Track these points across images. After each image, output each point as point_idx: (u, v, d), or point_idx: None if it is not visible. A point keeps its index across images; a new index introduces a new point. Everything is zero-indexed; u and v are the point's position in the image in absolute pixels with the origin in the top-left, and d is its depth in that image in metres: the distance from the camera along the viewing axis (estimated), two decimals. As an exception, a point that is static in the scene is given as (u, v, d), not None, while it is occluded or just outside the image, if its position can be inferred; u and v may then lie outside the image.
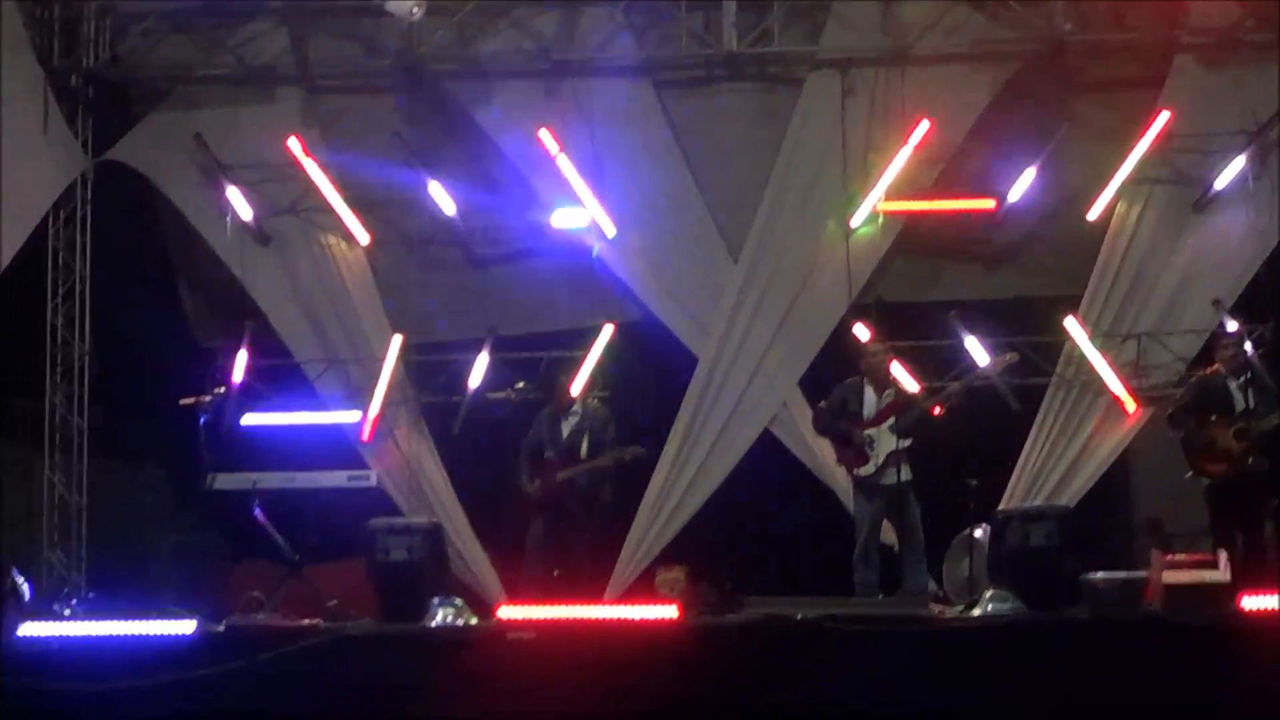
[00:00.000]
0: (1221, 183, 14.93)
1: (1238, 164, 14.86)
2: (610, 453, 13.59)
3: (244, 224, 15.53)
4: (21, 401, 15.55)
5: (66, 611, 13.56)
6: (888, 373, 13.53)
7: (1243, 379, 13.16)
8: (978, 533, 13.62)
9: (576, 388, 14.50)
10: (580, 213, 15.28)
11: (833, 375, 13.98)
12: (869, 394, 13.19)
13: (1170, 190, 15.13)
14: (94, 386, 15.60)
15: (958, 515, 13.81)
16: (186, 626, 12.01)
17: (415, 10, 14.12)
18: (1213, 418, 13.08)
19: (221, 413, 14.98)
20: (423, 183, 15.28)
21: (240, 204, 15.43)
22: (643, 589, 14.45)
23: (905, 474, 13.00)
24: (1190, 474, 13.35)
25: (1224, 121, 14.99)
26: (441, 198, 15.28)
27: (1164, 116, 14.85)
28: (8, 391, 15.41)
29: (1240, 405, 13.04)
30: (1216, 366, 13.38)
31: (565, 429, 13.84)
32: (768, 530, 15.11)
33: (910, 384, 14.17)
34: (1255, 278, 14.91)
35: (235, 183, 15.42)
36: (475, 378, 15.25)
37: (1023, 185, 15.01)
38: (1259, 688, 10.81)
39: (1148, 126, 14.88)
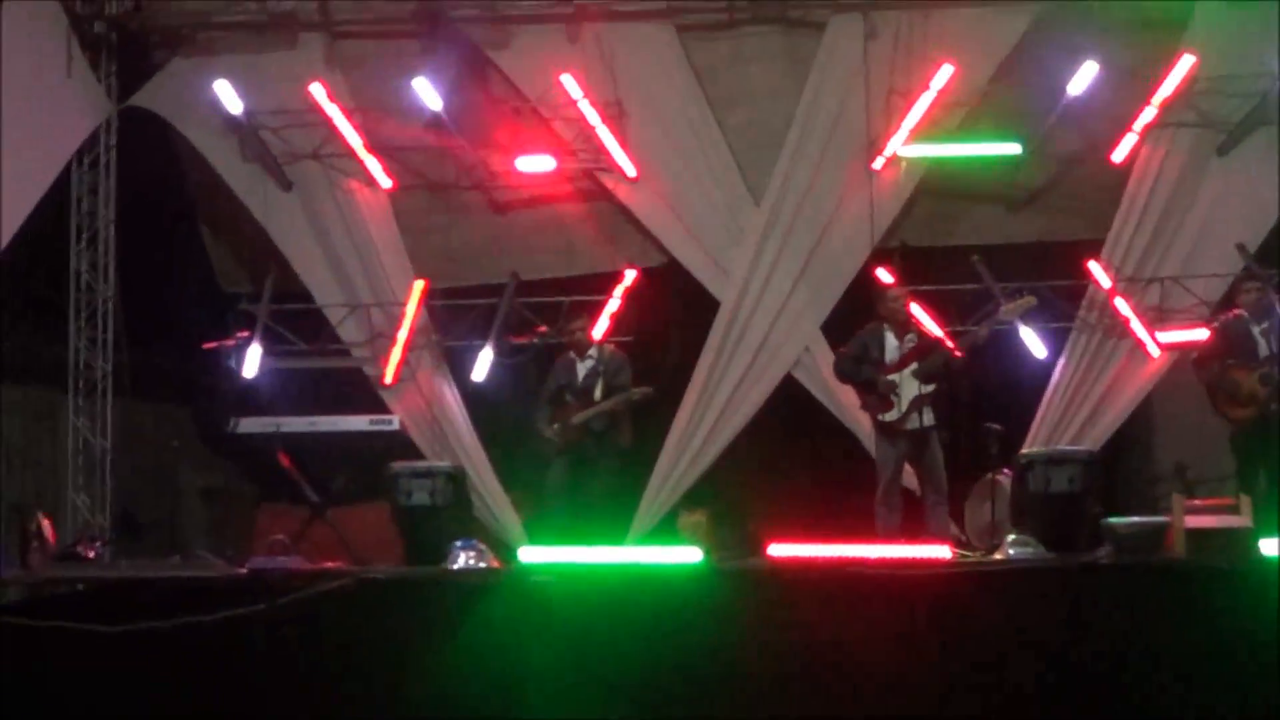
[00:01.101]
0: (1246, 126, 14.83)
1: (1264, 107, 14.75)
2: (620, 395, 13.65)
3: (267, 169, 15.52)
4: (46, 346, 15.58)
5: (91, 554, 13.64)
6: (909, 317, 13.50)
7: (1266, 323, 13.13)
8: (1000, 477, 13.61)
9: (598, 332, 14.51)
10: (601, 156, 15.22)
11: (856, 319, 13.93)
12: (890, 339, 13.16)
13: (1194, 133, 15.02)
14: (118, 330, 15.63)
15: (980, 459, 13.79)
16: (211, 569, 12.10)
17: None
18: (1233, 361, 13.05)
19: (245, 357, 15.08)
20: (444, 128, 15.23)
21: (263, 149, 15.42)
22: (667, 532, 14.52)
23: (928, 418, 13.00)
24: (1215, 419, 13.34)
25: (1249, 63, 14.82)
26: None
27: (1188, 60, 14.73)
28: (33, 335, 15.46)
29: (1264, 350, 13.01)
30: (1239, 310, 13.33)
31: (581, 373, 13.88)
32: (790, 474, 15.11)
33: (932, 328, 14.16)
34: (1279, 222, 14.81)
35: (257, 128, 15.40)
36: (497, 322, 15.25)
37: (1047, 128, 14.93)
38: (1280, 631, 10.85)
39: (1171, 68, 14.78)
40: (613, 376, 13.85)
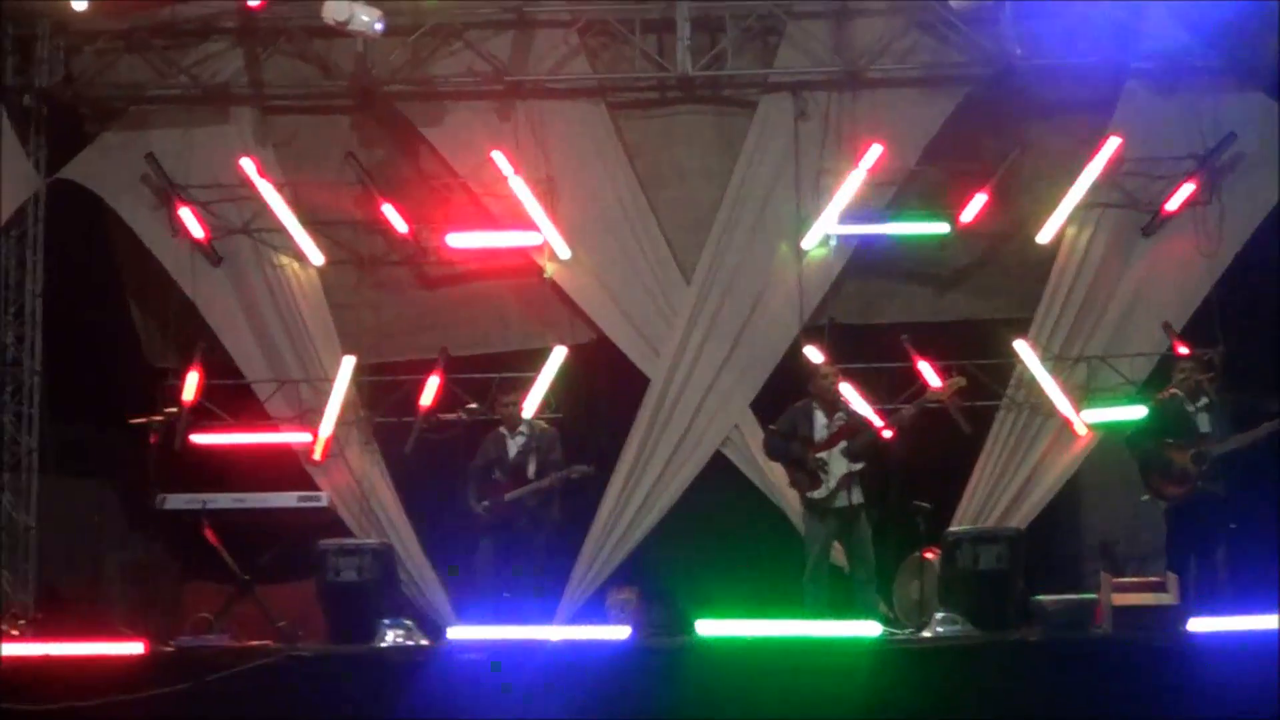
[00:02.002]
0: (1171, 207, 15.01)
1: (1187, 189, 14.94)
2: (556, 473, 13.64)
3: (196, 244, 15.47)
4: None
5: (14, 631, 13.49)
6: (838, 395, 13.54)
7: (1200, 403, 13.29)
8: (929, 554, 13.65)
9: (528, 410, 14.50)
10: (532, 234, 15.25)
11: (785, 397, 13.97)
12: (819, 417, 13.20)
13: (1120, 214, 15.21)
14: (44, 406, 15.48)
15: (909, 537, 13.83)
16: (135, 647, 11.98)
17: (377, 25, 14.06)
18: (1170, 440, 13.18)
19: (172, 432, 14.97)
20: (375, 203, 15.26)
21: (192, 223, 15.39)
22: (595, 610, 14.47)
23: (857, 496, 13.05)
24: (1146, 496, 13.45)
25: (1174, 146, 15.09)
26: (395, 218, 15.26)
27: (1114, 142, 14.95)
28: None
29: (1200, 429, 13.16)
30: (1174, 390, 13.49)
31: (512, 449, 13.87)
32: (720, 552, 15.09)
33: (861, 406, 14.21)
34: (1204, 302, 14.97)
35: (188, 202, 15.38)
36: (426, 398, 15.21)
37: (974, 208, 15.07)
38: (1207, 710, 10.90)
39: (1098, 150, 14.96)
40: (545, 453, 13.85)
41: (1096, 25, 15.06)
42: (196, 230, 15.39)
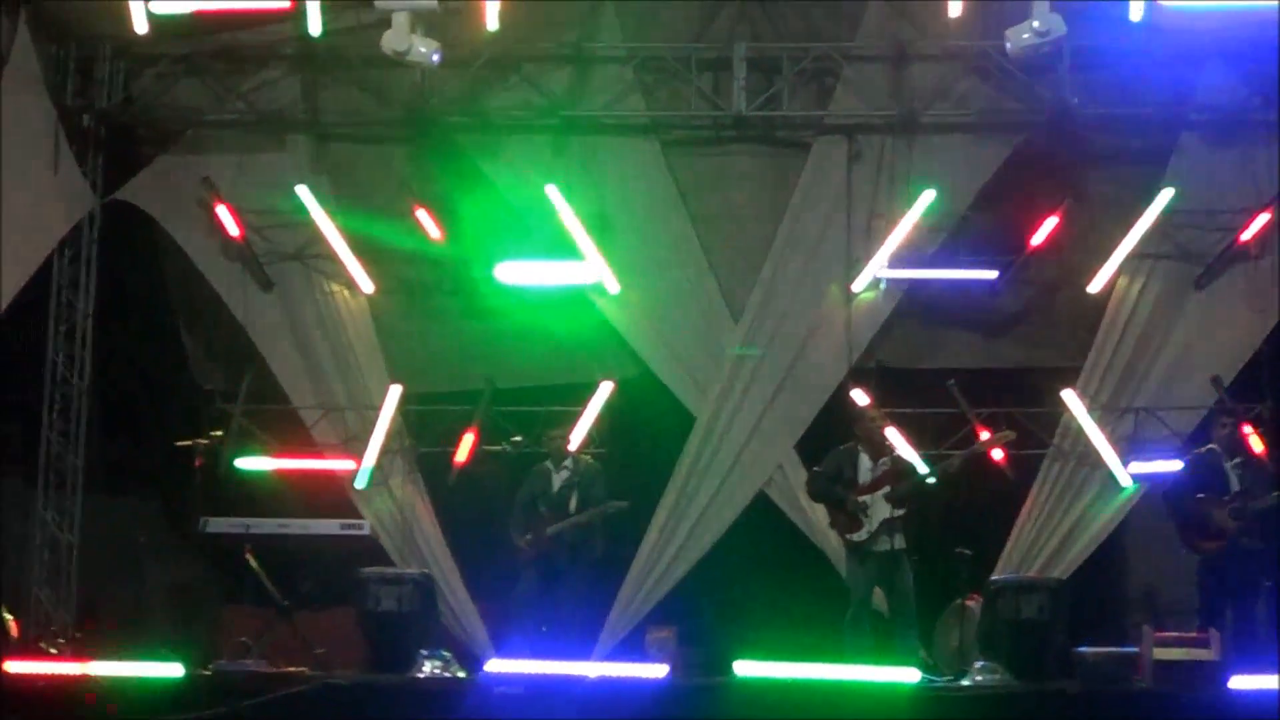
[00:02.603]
0: (1223, 260, 14.96)
1: (1240, 242, 14.88)
2: (594, 508, 13.65)
3: (248, 268, 15.55)
4: (18, 436, 15.54)
5: (53, 650, 13.53)
6: (884, 439, 13.49)
7: (1237, 459, 13.23)
8: (970, 602, 13.58)
9: (573, 443, 14.51)
10: (583, 268, 15.28)
11: (830, 439, 13.92)
12: (864, 460, 13.13)
13: (1172, 266, 15.15)
14: (91, 425, 15.57)
15: (950, 584, 13.76)
16: (174, 669, 12.01)
17: (435, 56, 14.10)
18: (1204, 495, 13.12)
19: (217, 455, 15.03)
20: (427, 232, 15.34)
21: (228, 221, 15.53)
22: (633, 648, 14.45)
23: (899, 541, 12.94)
24: (1185, 551, 13.38)
25: (1227, 199, 15.03)
26: (429, 224, 15.34)
27: (1168, 193, 14.89)
28: (5, 425, 15.42)
29: (1235, 485, 13.09)
30: (1213, 445, 13.43)
31: (556, 483, 13.89)
32: (761, 593, 15.05)
33: (907, 451, 14.16)
34: (1254, 356, 14.90)
35: (243, 227, 15.47)
36: (461, 455, 15.25)
37: (1025, 256, 15.04)
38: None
39: (1151, 201, 14.91)
40: (588, 488, 13.87)
41: (1153, 76, 14.99)
42: (232, 228, 15.48)
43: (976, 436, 14.36)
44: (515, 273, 15.38)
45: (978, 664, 12.38)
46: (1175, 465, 14.04)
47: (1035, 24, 13.30)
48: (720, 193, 15.68)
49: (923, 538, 13.35)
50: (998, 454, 14.74)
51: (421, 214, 15.34)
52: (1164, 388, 15.07)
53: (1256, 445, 14.03)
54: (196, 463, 14.73)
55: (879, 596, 13.31)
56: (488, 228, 15.51)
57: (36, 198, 14.99)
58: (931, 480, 13.11)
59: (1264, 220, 14.84)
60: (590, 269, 15.31)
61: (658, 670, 12.17)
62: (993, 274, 15.15)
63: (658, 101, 15.63)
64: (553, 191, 15.27)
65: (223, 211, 15.49)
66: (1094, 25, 14.37)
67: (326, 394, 15.60)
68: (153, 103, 15.84)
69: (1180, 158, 15.12)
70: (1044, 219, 14.96)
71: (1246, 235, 14.87)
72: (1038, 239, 14.99)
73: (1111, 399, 15.06)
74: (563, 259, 15.35)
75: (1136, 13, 13.33)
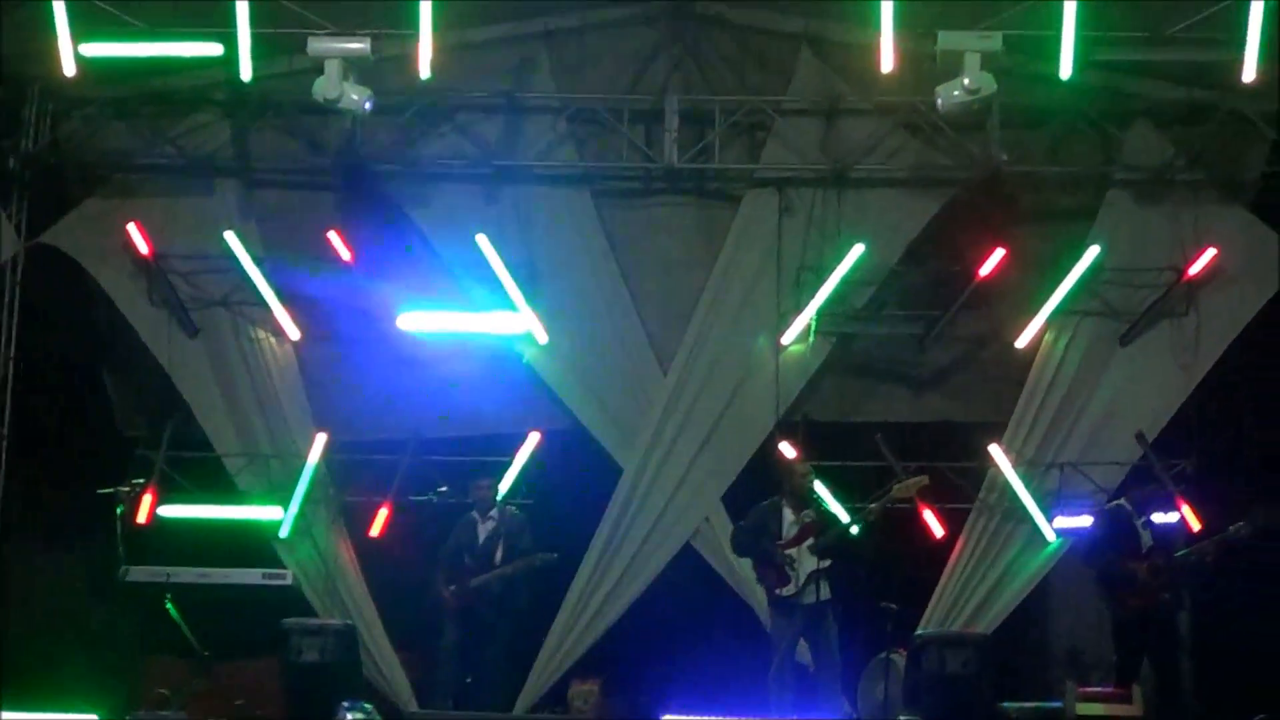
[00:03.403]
0: (1148, 318, 15.07)
1: (1165, 300, 15.01)
2: (520, 559, 13.59)
3: (173, 314, 15.44)
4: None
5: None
6: (809, 492, 13.46)
7: (1145, 517, 13.33)
8: (895, 656, 13.57)
9: (500, 494, 14.45)
10: (512, 318, 15.24)
11: (757, 491, 13.92)
12: (787, 514, 13.10)
13: (1098, 322, 15.27)
14: (11, 470, 15.38)
15: (876, 638, 13.76)
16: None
17: (367, 104, 14.00)
18: (1119, 552, 13.19)
19: (138, 503, 14.87)
20: (356, 283, 15.25)
21: (139, 239, 15.37)
22: (557, 700, 14.37)
23: (824, 593, 12.92)
24: (1106, 607, 13.43)
25: (1153, 257, 15.18)
26: (339, 246, 15.29)
27: (1094, 250, 15.01)
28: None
29: (1147, 542, 13.19)
30: (1122, 501, 13.55)
31: (482, 534, 13.84)
32: (686, 645, 15.00)
33: (832, 504, 14.15)
34: (1179, 413, 15.00)
35: (168, 272, 15.35)
36: (397, 479, 15.15)
37: (953, 310, 15.12)
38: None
39: (1079, 258, 15.02)
40: (514, 539, 13.85)
41: (1082, 135, 15.16)
42: (143, 246, 15.32)
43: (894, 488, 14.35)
44: (444, 322, 15.32)
45: (902, 718, 12.36)
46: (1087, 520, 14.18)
47: (966, 81, 13.33)
48: (651, 244, 15.69)
49: (849, 590, 13.33)
50: (927, 511, 14.81)
51: (333, 236, 15.24)
52: (1089, 443, 15.16)
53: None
54: (118, 510, 14.58)
55: (803, 648, 13.28)
56: (416, 277, 15.43)
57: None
58: (854, 531, 13.09)
59: (1188, 278, 14.93)
60: (519, 319, 15.25)
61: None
62: (916, 330, 15.25)
63: (590, 152, 15.65)
64: (483, 241, 15.23)
65: (134, 230, 15.33)
66: (1024, 83, 14.45)
67: (251, 441, 15.46)
68: (80, 146, 15.68)
69: (1107, 215, 15.26)
70: (972, 275, 15.03)
71: (1171, 293, 14.97)
72: (966, 294, 15.06)
73: (1037, 454, 15.12)
74: (493, 309, 15.29)
75: (1066, 71, 13.39)
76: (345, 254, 15.33)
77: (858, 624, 13.61)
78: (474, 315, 15.34)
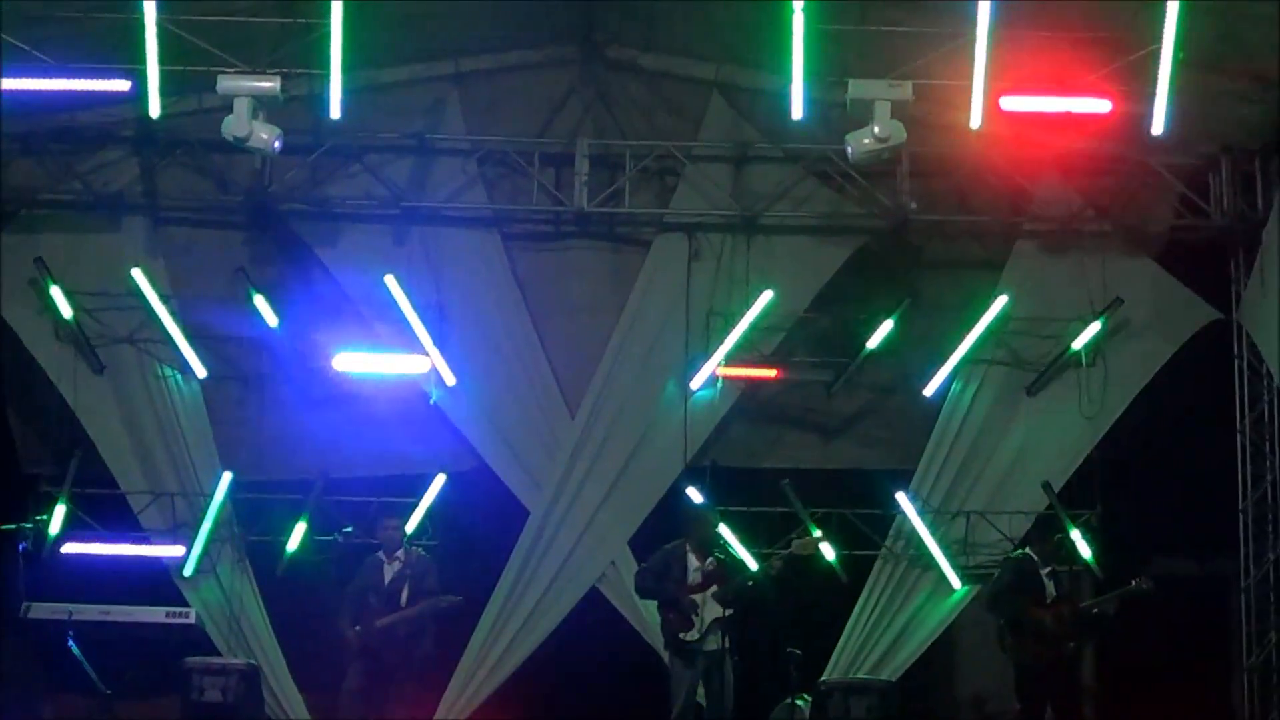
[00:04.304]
0: (1055, 367, 15.19)
1: (1071, 350, 15.13)
2: (426, 600, 13.52)
3: (79, 350, 15.31)
4: None
5: None
6: (715, 539, 13.42)
7: (1050, 567, 13.38)
8: (799, 703, 13.57)
9: (405, 535, 14.39)
10: (420, 359, 15.21)
11: (663, 536, 13.87)
12: (692, 560, 13.05)
13: (1005, 371, 15.40)
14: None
15: (780, 684, 13.75)
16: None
17: (276, 143, 13.90)
18: (1026, 600, 13.23)
19: (41, 540, 14.74)
20: (263, 322, 15.18)
21: (63, 303, 15.24)
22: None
23: (725, 640, 12.89)
24: (1011, 655, 13.46)
25: (1061, 307, 15.33)
26: (266, 311, 15.21)
27: (1002, 300, 15.13)
28: None
29: (1051, 592, 13.25)
30: (1027, 550, 13.61)
31: (388, 575, 13.74)
32: (589, 688, 14.97)
33: (736, 551, 14.15)
34: (1085, 462, 15.12)
35: (73, 309, 15.22)
36: (303, 519, 15.08)
37: (861, 357, 15.20)
38: None
39: (987, 307, 15.13)
40: (420, 580, 13.73)
41: (991, 185, 15.29)
42: (66, 310, 15.17)
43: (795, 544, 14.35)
44: (351, 362, 15.28)
45: (806, 765, 12.38)
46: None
47: (876, 130, 13.37)
48: (560, 287, 15.71)
49: (754, 637, 13.35)
50: (830, 554, 14.86)
51: (259, 299, 15.19)
52: (996, 492, 15.28)
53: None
54: (20, 547, 14.44)
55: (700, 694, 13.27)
56: (324, 317, 15.38)
57: None
58: (756, 580, 13.09)
59: (1095, 328, 15.06)
60: (427, 360, 15.21)
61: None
62: (828, 375, 15.30)
63: (500, 195, 15.66)
64: (391, 282, 15.20)
65: (56, 292, 15.22)
66: (933, 133, 14.54)
67: (155, 479, 15.33)
68: (-14, 180, 15.58)
69: (1015, 265, 15.41)
70: (881, 322, 15.11)
71: (1078, 344, 15.09)
72: (874, 342, 15.14)
73: (944, 502, 15.23)
74: (400, 350, 15.26)
75: (975, 121, 13.48)
76: (272, 320, 15.26)
77: (761, 671, 13.61)
78: (382, 356, 15.29)
